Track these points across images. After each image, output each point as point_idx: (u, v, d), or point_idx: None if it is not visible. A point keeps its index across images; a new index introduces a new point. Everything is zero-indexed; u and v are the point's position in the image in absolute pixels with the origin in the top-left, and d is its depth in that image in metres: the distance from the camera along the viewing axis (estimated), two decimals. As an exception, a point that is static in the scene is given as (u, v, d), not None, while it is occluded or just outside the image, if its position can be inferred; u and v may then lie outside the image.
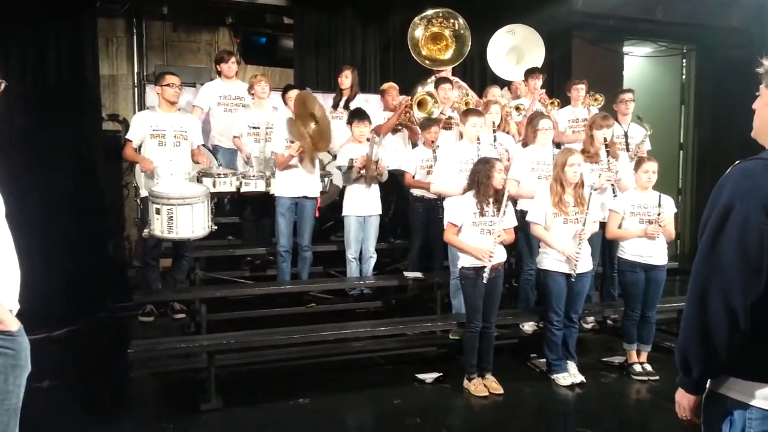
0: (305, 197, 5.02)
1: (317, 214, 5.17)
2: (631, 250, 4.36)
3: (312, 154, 4.92)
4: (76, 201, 5.67)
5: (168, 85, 4.77)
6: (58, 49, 5.68)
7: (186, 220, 4.19)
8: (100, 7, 6.49)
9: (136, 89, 7.34)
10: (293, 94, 5.08)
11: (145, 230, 4.36)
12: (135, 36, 7.37)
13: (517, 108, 5.60)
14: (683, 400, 1.65)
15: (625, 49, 8.61)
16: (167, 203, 4.19)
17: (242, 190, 5.00)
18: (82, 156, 5.82)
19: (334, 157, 5.50)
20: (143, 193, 4.73)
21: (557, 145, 5.10)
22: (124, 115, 7.24)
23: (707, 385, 1.61)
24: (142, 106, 6.90)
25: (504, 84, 6.67)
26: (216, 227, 4.56)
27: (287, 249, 5.05)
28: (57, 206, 5.51)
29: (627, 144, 5.45)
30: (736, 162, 1.59)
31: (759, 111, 1.64)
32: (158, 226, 4.22)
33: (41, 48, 5.58)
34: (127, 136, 4.85)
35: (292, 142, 4.88)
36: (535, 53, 6.58)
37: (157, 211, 4.19)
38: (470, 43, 6.34)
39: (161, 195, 4.23)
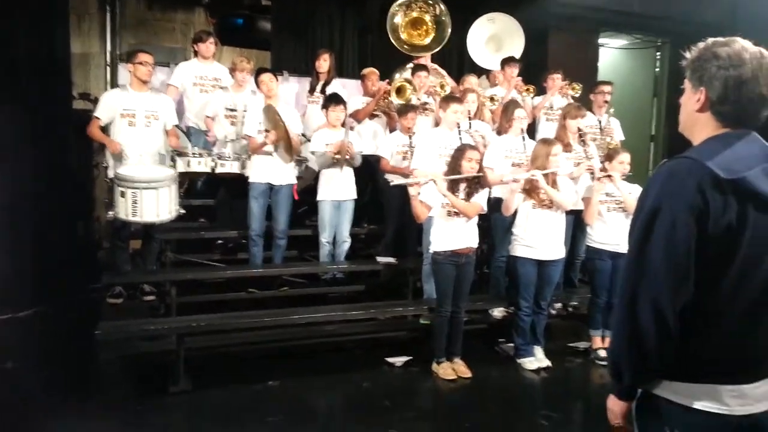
0: (280, 184, 4.99)
1: (296, 197, 5.14)
2: (598, 238, 4.44)
3: (287, 145, 4.87)
4: (44, 180, 5.54)
5: (140, 63, 4.67)
6: (28, 24, 5.51)
7: (151, 203, 4.14)
8: (72, -18, 6.33)
9: (108, 68, 7.19)
10: (266, 78, 4.99)
11: (110, 212, 4.29)
12: (108, 13, 7.20)
13: (492, 98, 5.64)
14: (615, 406, 1.62)
15: (601, 40, 8.68)
16: (132, 186, 4.13)
17: (217, 171, 4.92)
18: (51, 135, 5.68)
19: (309, 140, 5.47)
20: (111, 173, 4.65)
21: (529, 133, 5.15)
22: (95, 94, 7.08)
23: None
24: (114, 85, 6.76)
25: (481, 72, 6.69)
26: (183, 211, 4.51)
27: (259, 233, 5.03)
28: (24, 185, 5.38)
29: (601, 134, 5.55)
30: (663, 161, 1.56)
31: (683, 105, 1.61)
32: (123, 209, 4.16)
33: (9, 22, 5.41)
34: (95, 114, 4.72)
35: (267, 130, 4.83)
36: (515, 42, 6.60)
37: (122, 194, 4.12)
38: (450, 30, 6.33)
39: (126, 178, 4.16)
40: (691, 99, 1.56)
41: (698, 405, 1.48)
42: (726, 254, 1.43)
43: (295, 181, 5.14)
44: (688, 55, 1.58)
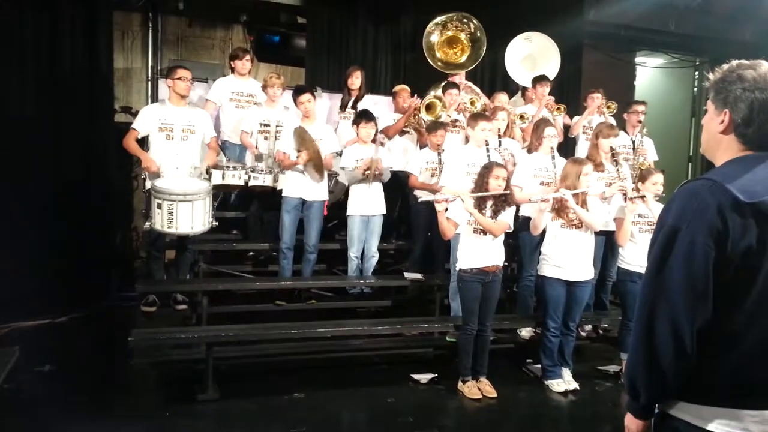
0: (313, 199, 5.05)
1: (326, 213, 5.20)
2: (630, 259, 4.38)
3: (316, 165, 4.92)
4: (85, 190, 5.77)
5: (179, 78, 4.83)
6: (73, 39, 5.78)
7: (186, 215, 4.27)
8: (117, 1, 6.60)
9: (149, 83, 7.42)
10: (304, 98, 5.03)
11: (147, 223, 4.44)
12: (150, 30, 7.45)
13: (521, 116, 5.63)
14: (632, 425, 1.62)
15: (638, 59, 8.62)
16: (168, 198, 4.27)
17: (250, 184, 5.06)
18: (92, 146, 5.91)
19: (340, 154, 5.55)
20: (149, 185, 4.80)
21: (569, 152, 5.13)
22: (137, 107, 7.32)
23: (657, 407, 1.58)
24: (155, 99, 6.96)
25: (515, 90, 6.71)
26: (216, 223, 4.63)
27: (289, 246, 5.09)
28: (66, 195, 5.60)
29: (635, 154, 5.50)
30: (683, 182, 1.57)
31: (706, 126, 1.61)
32: (158, 221, 4.30)
33: (56, 38, 5.68)
34: (133, 126, 4.88)
35: (298, 150, 4.90)
36: (550, 62, 6.59)
37: (159, 206, 4.27)
38: (485, 47, 6.35)
39: (162, 190, 4.30)
40: (714, 120, 1.57)
41: (719, 429, 1.46)
42: (746, 277, 1.43)
43: (326, 197, 5.20)
44: (711, 76, 1.59)
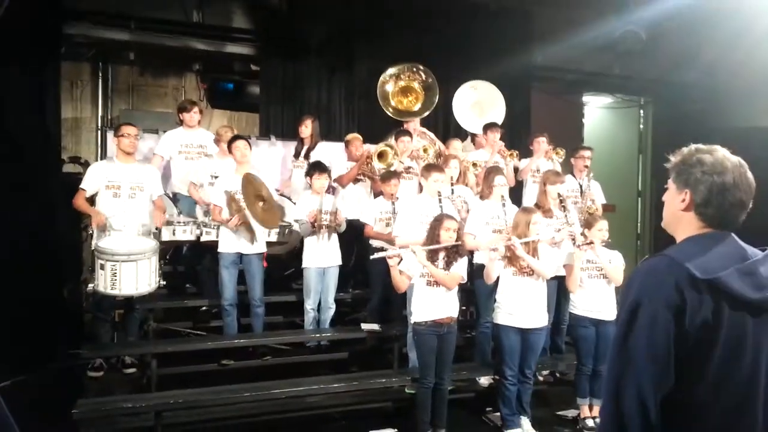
0: (250, 253, 4.91)
1: (265, 264, 5.08)
2: (580, 305, 4.45)
3: (251, 224, 4.83)
4: (31, 242, 5.55)
5: (123, 135, 4.76)
6: (19, 91, 5.65)
7: (130, 276, 4.15)
8: (66, 52, 6.51)
9: (99, 132, 7.29)
10: (240, 144, 4.93)
11: (90, 285, 4.29)
12: (100, 80, 7.36)
13: (474, 164, 5.72)
14: None
15: (584, 99, 8.91)
16: (111, 259, 4.15)
17: (202, 239, 4.97)
18: (39, 197, 5.72)
19: (294, 203, 5.52)
20: (95, 243, 4.66)
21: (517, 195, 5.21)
22: (86, 157, 7.18)
23: None
24: (104, 148, 6.83)
25: (466, 136, 6.83)
26: (164, 282, 4.50)
27: (231, 303, 4.92)
28: (11, 247, 5.37)
29: (582, 197, 5.63)
30: (645, 257, 1.67)
31: (667, 203, 1.72)
32: (102, 282, 4.16)
33: (1, 89, 5.54)
34: (81, 186, 4.78)
35: (237, 210, 4.77)
36: (497, 108, 6.80)
37: (101, 267, 4.14)
38: (437, 95, 6.48)
39: (105, 251, 4.18)
40: (675, 199, 1.68)
41: None
42: (705, 350, 1.51)
43: (264, 249, 5.05)
44: (671, 158, 1.69)
